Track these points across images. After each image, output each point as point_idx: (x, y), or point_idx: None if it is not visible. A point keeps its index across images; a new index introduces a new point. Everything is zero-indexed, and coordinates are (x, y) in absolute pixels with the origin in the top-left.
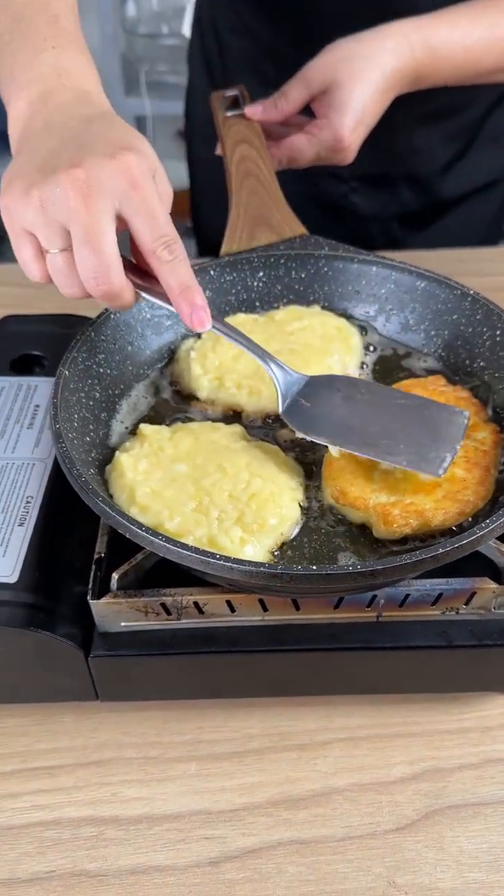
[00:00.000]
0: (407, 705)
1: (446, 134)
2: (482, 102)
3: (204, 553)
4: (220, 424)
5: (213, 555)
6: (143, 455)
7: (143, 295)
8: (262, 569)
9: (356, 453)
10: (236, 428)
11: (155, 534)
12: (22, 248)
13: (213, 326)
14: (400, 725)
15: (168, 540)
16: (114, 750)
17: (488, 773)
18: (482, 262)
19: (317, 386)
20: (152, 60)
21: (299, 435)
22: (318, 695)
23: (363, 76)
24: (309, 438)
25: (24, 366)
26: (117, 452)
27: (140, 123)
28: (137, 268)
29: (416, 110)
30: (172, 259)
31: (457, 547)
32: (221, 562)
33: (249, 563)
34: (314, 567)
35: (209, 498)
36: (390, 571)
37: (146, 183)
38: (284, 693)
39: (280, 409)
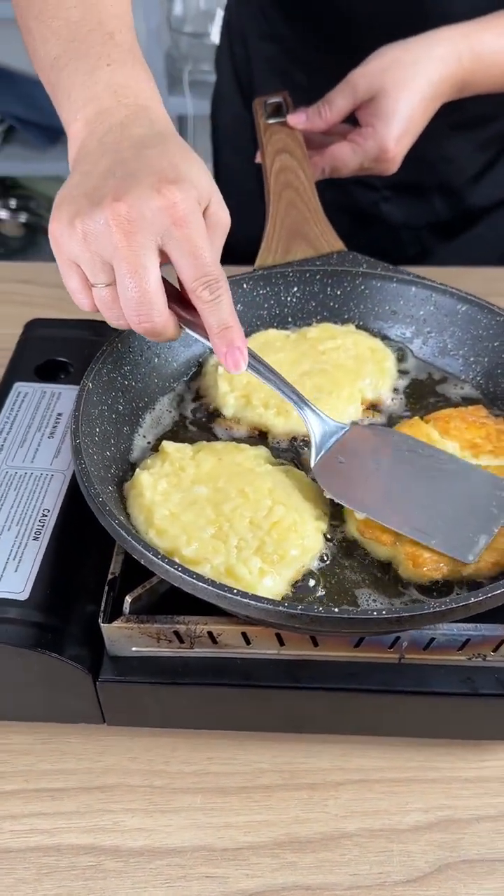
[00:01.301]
0: (426, 748)
1: (478, 143)
2: None
3: (220, 587)
4: (245, 445)
5: (230, 589)
6: (163, 474)
7: (186, 329)
8: (280, 608)
9: (386, 525)
10: (261, 450)
11: (171, 562)
12: (69, 278)
13: (250, 368)
14: (417, 770)
15: (184, 570)
16: (119, 776)
17: None
18: None
19: (356, 440)
20: (196, 60)
21: (327, 496)
22: (334, 734)
23: (410, 84)
24: (337, 501)
25: (49, 372)
26: (138, 470)
27: (182, 122)
28: (184, 298)
29: (448, 119)
30: (213, 299)
31: (490, 597)
32: (238, 597)
33: (267, 600)
34: (336, 609)
35: (229, 524)
36: (418, 619)
37: (191, 219)
38: (298, 730)
39: (312, 463)
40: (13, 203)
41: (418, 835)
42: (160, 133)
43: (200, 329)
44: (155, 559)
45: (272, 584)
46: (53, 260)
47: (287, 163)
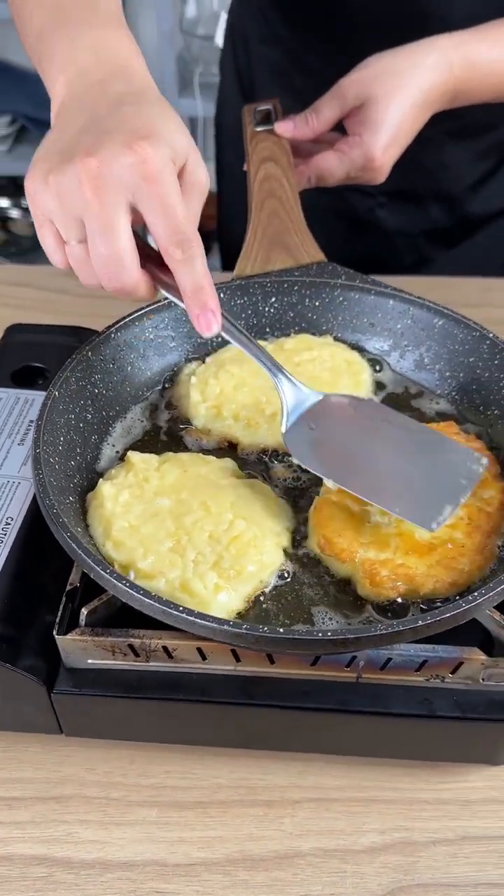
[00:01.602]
0: (386, 769)
1: (476, 151)
2: None
3: (167, 604)
4: (212, 458)
5: (175, 606)
6: (126, 485)
7: (163, 291)
8: (224, 626)
9: (350, 491)
10: (227, 463)
11: (119, 577)
12: (44, 236)
13: (223, 332)
14: (376, 790)
15: (132, 586)
16: (76, 786)
17: (463, 852)
18: None
19: (329, 408)
20: (207, 62)
21: (294, 460)
22: (291, 751)
23: (399, 93)
24: (304, 467)
25: (26, 378)
26: (101, 480)
27: (192, 124)
28: (160, 258)
29: (446, 126)
30: (185, 258)
31: (438, 620)
32: (184, 615)
33: (212, 618)
34: (280, 629)
35: (188, 538)
36: (364, 641)
37: (162, 176)
38: (255, 747)
39: (282, 429)
40: (24, 202)
41: (373, 856)
42: (139, 91)
43: (175, 291)
44: (103, 573)
45: (227, 600)
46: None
47: (272, 171)
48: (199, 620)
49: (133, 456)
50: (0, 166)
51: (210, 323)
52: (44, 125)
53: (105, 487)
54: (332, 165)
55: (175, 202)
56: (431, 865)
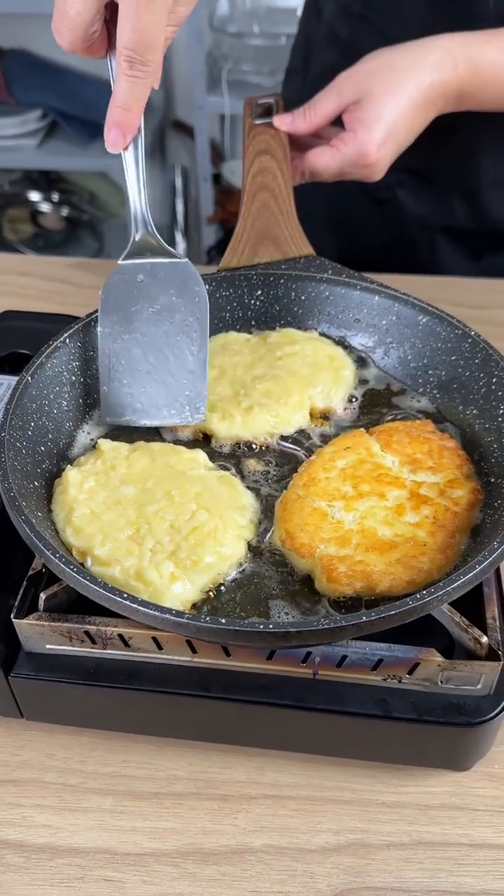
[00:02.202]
0: (346, 769)
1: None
2: None
3: (111, 591)
4: (182, 448)
5: (120, 594)
6: (92, 472)
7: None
8: (166, 615)
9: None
10: (198, 454)
11: (67, 562)
12: None
13: (125, 153)
14: (334, 790)
15: (79, 571)
16: (35, 771)
17: (417, 857)
18: None
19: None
20: (237, 59)
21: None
22: (248, 746)
23: (398, 89)
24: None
25: (13, 364)
26: (68, 466)
27: (221, 122)
28: None
29: (477, 112)
30: (131, 75)
31: (382, 617)
32: (127, 602)
33: (155, 607)
34: (223, 620)
35: (148, 526)
36: (305, 635)
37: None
38: (212, 739)
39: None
40: (55, 197)
41: (325, 856)
42: None
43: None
44: (52, 557)
45: (182, 591)
46: (94, 255)
47: (266, 164)
48: (141, 608)
49: (103, 444)
50: (30, 160)
51: (117, 140)
52: (74, 119)
53: (71, 474)
54: (326, 160)
55: (150, 21)
56: (383, 869)
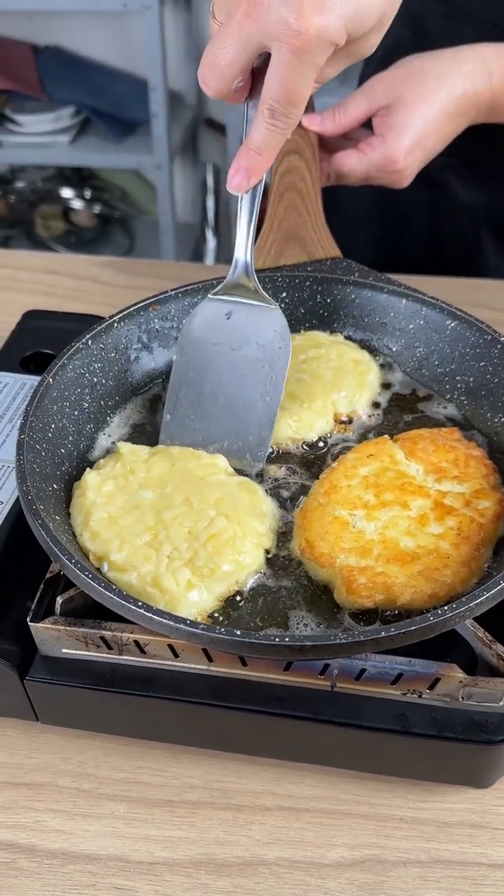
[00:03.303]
0: (364, 782)
1: None
2: None
3: (125, 598)
4: (203, 453)
5: (134, 601)
6: (111, 476)
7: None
8: (180, 625)
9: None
10: (218, 459)
11: (82, 567)
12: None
13: (245, 195)
14: (351, 803)
15: (93, 577)
16: (49, 774)
17: (434, 875)
18: None
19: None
20: None
21: None
22: (263, 757)
23: (429, 97)
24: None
25: (36, 363)
26: (88, 469)
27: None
28: None
29: None
30: (269, 124)
31: (402, 633)
32: (141, 611)
33: (169, 616)
34: (237, 632)
35: (166, 532)
36: (322, 649)
37: (310, 54)
38: (227, 749)
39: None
40: (88, 194)
41: (339, 871)
42: None
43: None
44: (67, 563)
45: (198, 599)
46: (125, 253)
47: (294, 164)
48: (156, 617)
49: (123, 447)
50: (63, 157)
51: (240, 184)
52: (107, 116)
53: (90, 477)
54: (353, 163)
55: (300, 80)
56: (399, 886)
